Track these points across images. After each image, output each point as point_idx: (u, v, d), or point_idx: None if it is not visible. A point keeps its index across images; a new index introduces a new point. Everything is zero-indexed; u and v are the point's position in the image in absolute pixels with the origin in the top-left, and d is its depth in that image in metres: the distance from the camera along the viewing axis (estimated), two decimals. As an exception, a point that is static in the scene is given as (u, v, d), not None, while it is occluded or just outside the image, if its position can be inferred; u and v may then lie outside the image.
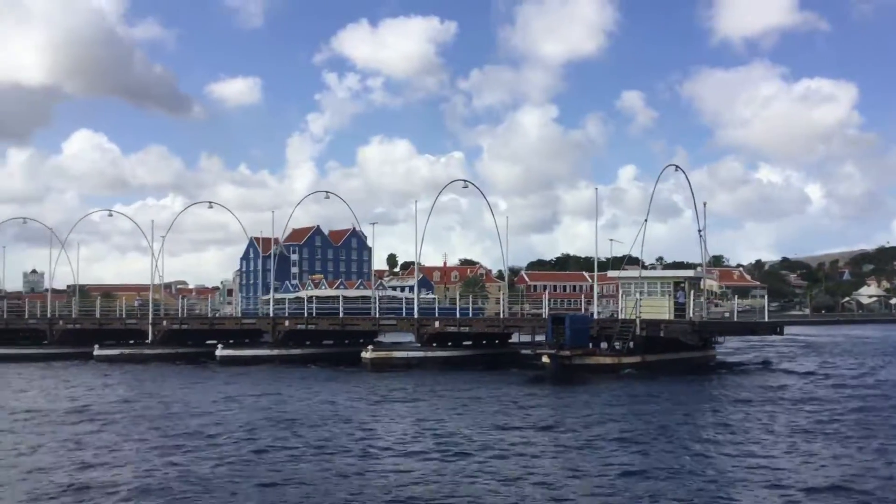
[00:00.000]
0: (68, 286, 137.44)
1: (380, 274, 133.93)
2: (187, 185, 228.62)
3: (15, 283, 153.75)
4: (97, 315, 53.84)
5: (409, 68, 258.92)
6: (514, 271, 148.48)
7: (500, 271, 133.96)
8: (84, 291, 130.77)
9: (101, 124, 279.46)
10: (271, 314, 48.52)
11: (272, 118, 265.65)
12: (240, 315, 60.75)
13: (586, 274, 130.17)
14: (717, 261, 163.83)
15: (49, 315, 54.61)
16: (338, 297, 51.34)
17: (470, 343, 44.59)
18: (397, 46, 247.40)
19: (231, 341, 49.41)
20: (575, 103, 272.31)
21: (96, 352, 47.14)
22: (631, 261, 46.81)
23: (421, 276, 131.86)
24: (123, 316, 53.00)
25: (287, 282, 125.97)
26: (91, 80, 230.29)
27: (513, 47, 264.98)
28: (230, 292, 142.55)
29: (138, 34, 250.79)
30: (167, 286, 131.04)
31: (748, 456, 16.54)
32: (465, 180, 48.06)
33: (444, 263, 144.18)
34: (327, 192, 53.17)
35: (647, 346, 36.59)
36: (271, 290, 53.61)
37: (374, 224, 58.52)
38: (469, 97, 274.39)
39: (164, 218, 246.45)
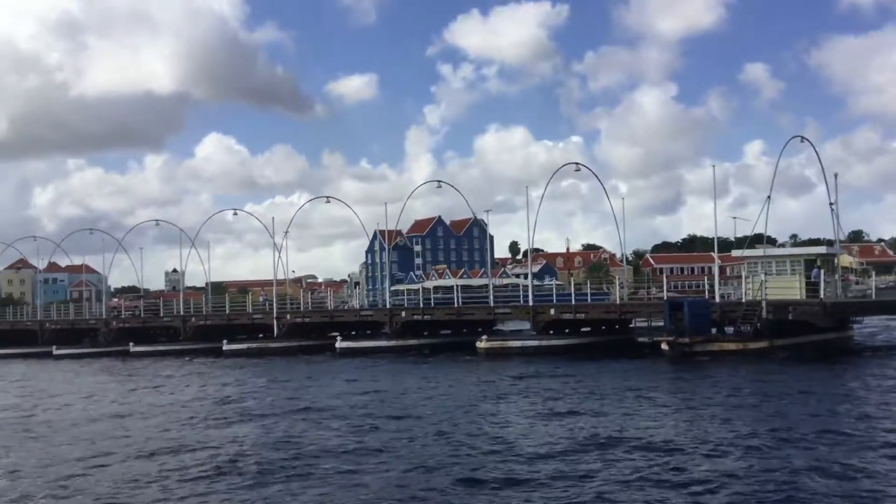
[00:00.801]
0: (207, 283, 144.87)
1: (502, 262, 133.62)
2: (312, 182, 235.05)
3: (157, 283, 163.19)
4: (226, 311, 55.94)
5: (522, 55, 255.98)
6: (638, 255, 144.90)
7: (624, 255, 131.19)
8: (222, 288, 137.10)
9: (230, 127, 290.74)
10: (388, 305, 49.00)
11: (390, 112, 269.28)
12: (366, 306, 61.52)
13: (715, 255, 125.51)
14: (856, 236, 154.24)
15: (182, 313, 57.14)
16: (462, 286, 51.36)
17: (588, 330, 43.62)
18: (509, 33, 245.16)
19: (354, 332, 50.42)
20: (695, 80, 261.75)
21: (225, 346, 49.01)
22: (760, 240, 44.58)
23: (543, 262, 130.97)
24: (250, 311, 54.81)
25: (411, 273, 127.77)
26: (218, 85, 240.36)
27: (627, 26, 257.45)
28: (357, 285, 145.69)
29: (259, 38, 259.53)
30: (297, 280, 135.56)
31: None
32: (577, 163, 46.94)
33: (567, 249, 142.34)
34: (440, 181, 53.00)
35: (776, 329, 34.58)
36: (387, 281, 54.20)
37: (488, 211, 58.95)
38: (584, 80, 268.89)
39: (291, 215, 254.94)
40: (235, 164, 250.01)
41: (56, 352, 57.07)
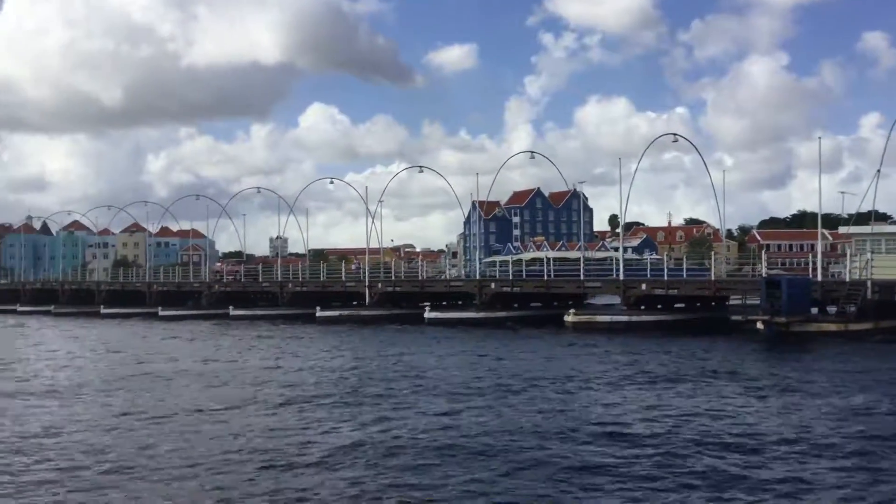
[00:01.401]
0: (308, 250, 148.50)
1: (601, 235, 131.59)
2: (411, 152, 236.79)
3: (262, 249, 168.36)
4: (321, 278, 57.12)
5: (626, 23, 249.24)
6: (744, 230, 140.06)
7: (728, 230, 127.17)
8: (323, 255, 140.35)
9: (333, 97, 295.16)
10: (478, 276, 48.96)
11: (489, 83, 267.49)
12: (457, 277, 61.74)
13: (827, 232, 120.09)
14: None
15: (280, 279, 58.67)
16: (559, 259, 51.06)
17: (682, 306, 42.47)
18: (613, 2, 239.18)
19: (444, 303, 50.71)
20: (808, 49, 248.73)
21: (318, 313, 50.08)
22: (870, 217, 42.39)
23: (643, 237, 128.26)
24: (344, 279, 55.78)
25: (509, 244, 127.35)
26: (321, 55, 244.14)
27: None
28: (455, 255, 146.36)
29: (361, 8, 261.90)
30: (395, 250, 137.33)
31: None
32: (674, 134, 45.49)
33: (669, 223, 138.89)
34: (532, 152, 52.49)
35: (881, 310, 32.75)
36: (477, 252, 54.17)
37: (582, 183, 57.35)
38: (690, 49, 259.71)
39: (390, 185, 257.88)
40: (337, 134, 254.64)
41: (161, 312, 59.72)
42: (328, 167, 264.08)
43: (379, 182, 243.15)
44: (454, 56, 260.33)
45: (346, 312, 50.40)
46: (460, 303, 50.23)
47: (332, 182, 65.58)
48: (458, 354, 29.27)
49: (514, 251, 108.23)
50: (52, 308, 70.72)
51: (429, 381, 22.07)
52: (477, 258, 52.54)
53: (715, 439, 14.29)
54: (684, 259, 48.19)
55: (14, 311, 74.06)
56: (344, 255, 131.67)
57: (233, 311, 54.82)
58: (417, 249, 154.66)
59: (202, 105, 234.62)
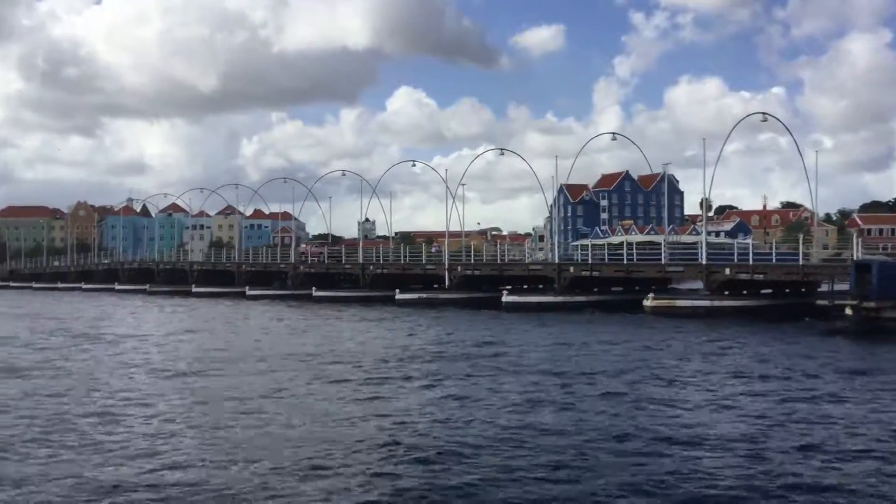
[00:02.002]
0: (395, 233, 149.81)
1: (692, 219, 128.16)
2: (497, 135, 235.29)
3: (352, 231, 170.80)
4: (402, 261, 57.52)
5: (719, 1, 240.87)
6: (844, 214, 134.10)
7: (826, 214, 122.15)
8: (409, 238, 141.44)
9: (419, 81, 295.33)
10: (557, 260, 48.38)
11: (577, 64, 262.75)
12: (537, 261, 61.21)
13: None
14: None
15: (362, 261, 59.35)
16: (646, 242, 49.96)
17: (769, 292, 41.00)
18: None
19: (525, 287, 50.34)
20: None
21: (397, 296, 50.45)
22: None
23: (737, 220, 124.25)
24: (424, 262, 56.01)
25: (597, 228, 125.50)
26: (408, 40, 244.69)
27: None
28: (541, 238, 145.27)
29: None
30: (482, 233, 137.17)
31: None
32: (764, 113, 43.70)
33: (763, 207, 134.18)
34: (614, 133, 51.44)
35: None
36: (556, 236, 53.52)
37: (667, 165, 55.94)
38: (787, 27, 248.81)
39: (477, 168, 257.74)
40: (424, 118, 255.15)
41: (249, 292, 61.37)
42: (415, 151, 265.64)
43: (465, 165, 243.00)
44: (541, 37, 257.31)
45: (424, 295, 50.62)
46: (541, 287, 49.73)
47: (413, 164, 65.97)
48: (523, 341, 28.94)
49: (601, 235, 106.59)
50: (147, 287, 73.60)
51: (489, 365, 21.93)
52: (556, 242, 51.79)
53: (808, 438, 12.97)
54: (773, 243, 46.39)
55: (112, 290, 77.48)
56: (430, 237, 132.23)
57: (315, 293, 55.80)
58: (504, 233, 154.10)
59: (293, 90, 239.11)
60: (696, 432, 13.38)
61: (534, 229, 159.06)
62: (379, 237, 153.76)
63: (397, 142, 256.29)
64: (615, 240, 71.13)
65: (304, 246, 76.13)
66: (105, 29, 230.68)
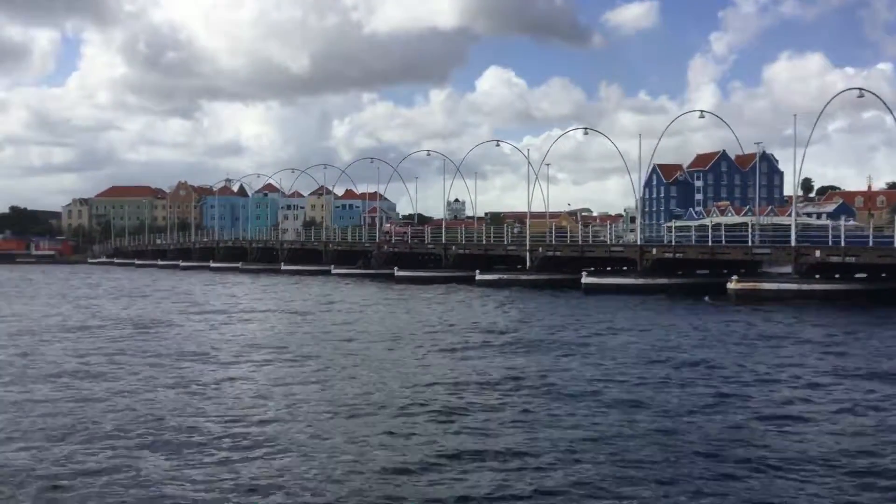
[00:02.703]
0: (485, 213, 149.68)
1: (791, 199, 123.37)
2: (588, 115, 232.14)
3: (440, 211, 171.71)
4: (484, 241, 57.46)
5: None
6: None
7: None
8: (499, 218, 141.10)
9: (509, 60, 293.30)
10: (640, 241, 47.38)
11: (671, 41, 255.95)
12: (618, 242, 60.07)
13: None
14: None
15: (445, 241, 59.54)
16: (738, 224, 48.49)
17: (864, 276, 39.14)
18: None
19: (608, 269, 49.50)
20: None
21: (478, 276, 50.42)
22: None
23: (839, 202, 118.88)
24: (506, 243, 55.76)
25: (691, 209, 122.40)
26: (498, 19, 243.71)
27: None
28: (633, 220, 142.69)
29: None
30: (572, 213, 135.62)
31: None
32: (860, 89, 41.53)
33: (868, 187, 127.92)
34: (702, 111, 49.77)
35: None
36: (638, 217, 52.38)
37: (758, 143, 53.76)
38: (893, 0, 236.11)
39: (567, 148, 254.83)
40: (514, 97, 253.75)
41: (334, 271, 62.55)
42: (504, 131, 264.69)
43: (556, 145, 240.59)
44: (634, 14, 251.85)
45: (504, 276, 50.42)
46: (625, 268, 48.80)
47: (497, 144, 65.65)
48: (582, 324, 28.45)
49: (695, 216, 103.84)
50: (239, 265, 75.93)
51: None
52: (640, 223, 50.69)
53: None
54: (870, 225, 44.14)
55: (208, 267, 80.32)
56: (520, 218, 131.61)
57: (397, 272, 56.35)
58: (595, 213, 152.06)
59: (383, 71, 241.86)
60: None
61: (625, 210, 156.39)
62: (468, 218, 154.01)
63: (487, 122, 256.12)
64: (709, 221, 69.19)
65: (388, 225, 77.00)
66: (203, 13, 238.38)
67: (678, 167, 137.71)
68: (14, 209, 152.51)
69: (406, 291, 45.01)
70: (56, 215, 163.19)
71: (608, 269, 49.62)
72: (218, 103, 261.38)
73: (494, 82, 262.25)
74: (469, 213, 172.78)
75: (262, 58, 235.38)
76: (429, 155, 73.03)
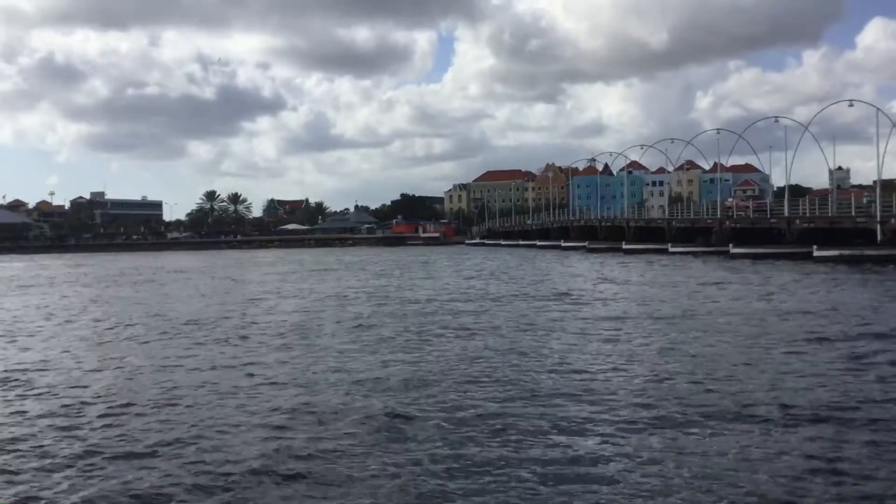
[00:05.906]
0: (873, 181, 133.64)
1: None
2: None
3: (821, 181, 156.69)
4: (829, 213, 52.31)
5: None
6: None
7: None
8: (892, 186, 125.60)
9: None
10: None
11: None
12: None
13: None
14: None
15: (788, 214, 55.21)
16: None
17: None
18: None
19: None
20: None
21: (815, 252, 46.23)
22: None
23: None
24: (854, 214, 50.17)
25: None
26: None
27: None
28: None
29: None
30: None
31: None
32: None
33: None
34: None
35: None
36: None
37: None
38: None
39: None
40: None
41: (671, 249, 61.33)
42: (890, 88, 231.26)
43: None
44: None
45: (846, 252, 45.52)
46: None
47: (851, 104, 58.46)
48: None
49: None
50: (586, 244, 77.55)
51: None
52: None
53: None
54: None
55: (559, 247, 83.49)
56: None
57: (732, 249, 53.66)
58: None
59: (748, 36, 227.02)
60: None
61: None
62: (853, 187, 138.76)
63: (870, 81, 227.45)
64: None
65: (730, 200, 73.11)
66: (561, 1, 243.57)
67: None
68: (404, 196, 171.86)
69: (737, 272, 42.32)
70: (439, 200, 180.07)
71: None
72: (579, 85, 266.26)
73: (879, 36, 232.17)
74: (854, 181, 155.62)
75: (621, 36, 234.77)
76: (776, 121, 67.54)
